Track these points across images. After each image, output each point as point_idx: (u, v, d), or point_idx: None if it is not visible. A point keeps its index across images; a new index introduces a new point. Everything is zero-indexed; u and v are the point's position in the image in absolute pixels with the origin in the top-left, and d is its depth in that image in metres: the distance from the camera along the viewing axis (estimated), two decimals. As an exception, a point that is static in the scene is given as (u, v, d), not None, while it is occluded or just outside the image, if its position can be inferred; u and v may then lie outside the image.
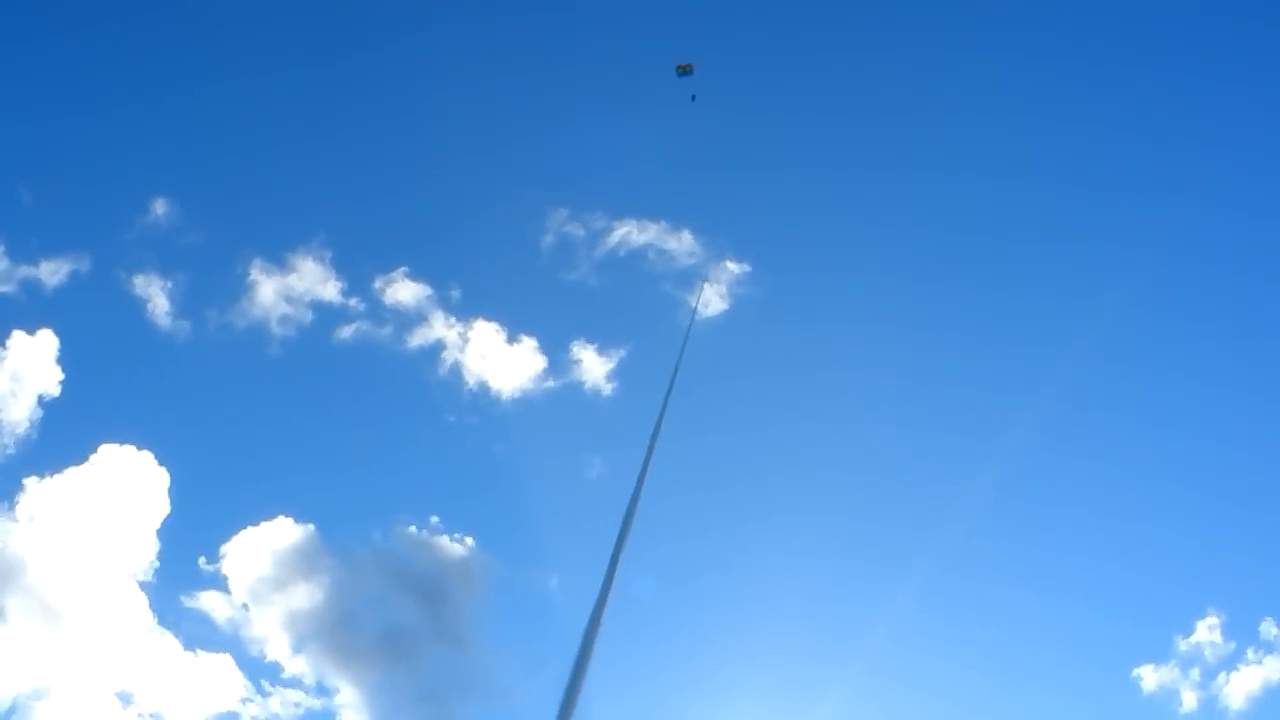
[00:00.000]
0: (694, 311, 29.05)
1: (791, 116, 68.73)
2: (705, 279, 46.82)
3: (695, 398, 60.84)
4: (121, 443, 51.07)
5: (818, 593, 53.44)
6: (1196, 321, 62.96)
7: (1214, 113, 64.99)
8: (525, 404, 59.16)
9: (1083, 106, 66.99)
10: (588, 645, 11.74)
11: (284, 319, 58.39)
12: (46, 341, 53.59)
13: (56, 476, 50.54)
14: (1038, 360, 61.79)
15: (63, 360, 53.55)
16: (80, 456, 50.93)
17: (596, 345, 59.37)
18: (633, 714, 50.16)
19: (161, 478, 51.14)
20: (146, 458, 51.22)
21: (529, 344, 59.44)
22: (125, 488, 50.45)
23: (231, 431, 58.90)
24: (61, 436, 53.33)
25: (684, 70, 42.51)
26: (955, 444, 60.21)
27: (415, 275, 59.99)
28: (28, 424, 52.53)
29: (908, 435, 60.65)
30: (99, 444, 50.98)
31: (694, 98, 44.15)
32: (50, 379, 52.89)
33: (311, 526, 52.98)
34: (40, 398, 52.67)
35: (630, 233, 61.39)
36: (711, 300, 60.26)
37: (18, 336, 53.46)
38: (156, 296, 57.58)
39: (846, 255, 67.75)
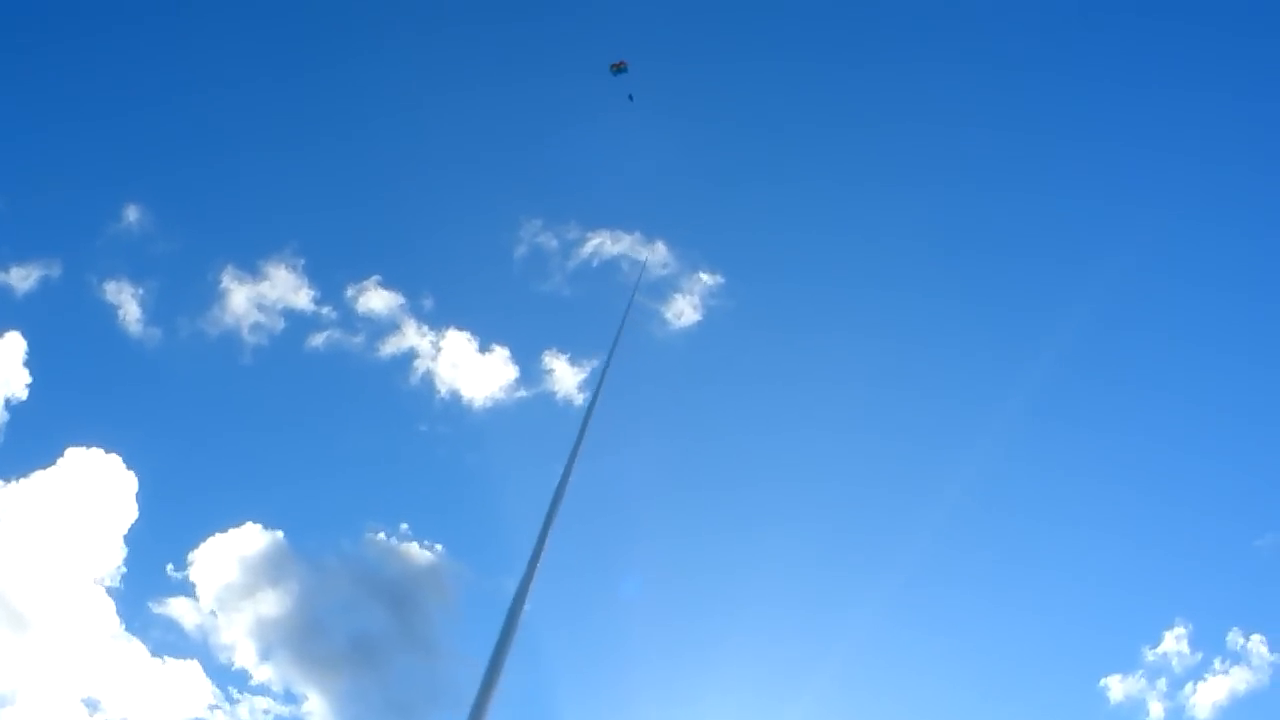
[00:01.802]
0: (637, 280, 28.90)
1: (766, 129, 69.24)
2: (646, 250, 46.14)
3: (670, 406, 61.49)
4: (89, 446, 51.00)
5: (788, 600, 53.75)
6: (1165, 333, 63.42)
7: (1185, 123, 65.58)
8: (497, 413, 59.21)
9: (1053, 117, 67.64)
10: (501, 650, 11.55)
11: (256, 327, 58.40)
12: (14, 344, 53.44)
13: (22, 480, 50.42)
14: (1008, 369, 62.33)
15: (30, 363, 53.42)
16: (47, 460, 50.82)
17: (569, 355, 59.49)
18: (610, 714, 50.40)
19: (130, 482, 51.07)
20: (114, 461, 51.13)
21: (501, 353, 59.53)
22: (92, 492, 50.31)
23: (201, 437, 58.92)
24: (28, 440, 53.20)
25: (618, 69, 41.93)
26: (925, 453, 60.69)
27: (388, 284, 60.06)
28: (-7, 427, 52.32)
29: (878, 444, 61.02)
30: (66, 447, 50.83)
31: (631, 97, 43.65)
32: (17, 382, 52.74)
33: (280, 533, 52.97)
34: (7, 401, 52.53)
35: (604, 243, 61.64)
36: (685, 311, 60.68)
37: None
38: (128, 303, 57.47)
39: (819, 266, 68.15)
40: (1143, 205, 63.94)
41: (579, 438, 16.21)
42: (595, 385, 18.78)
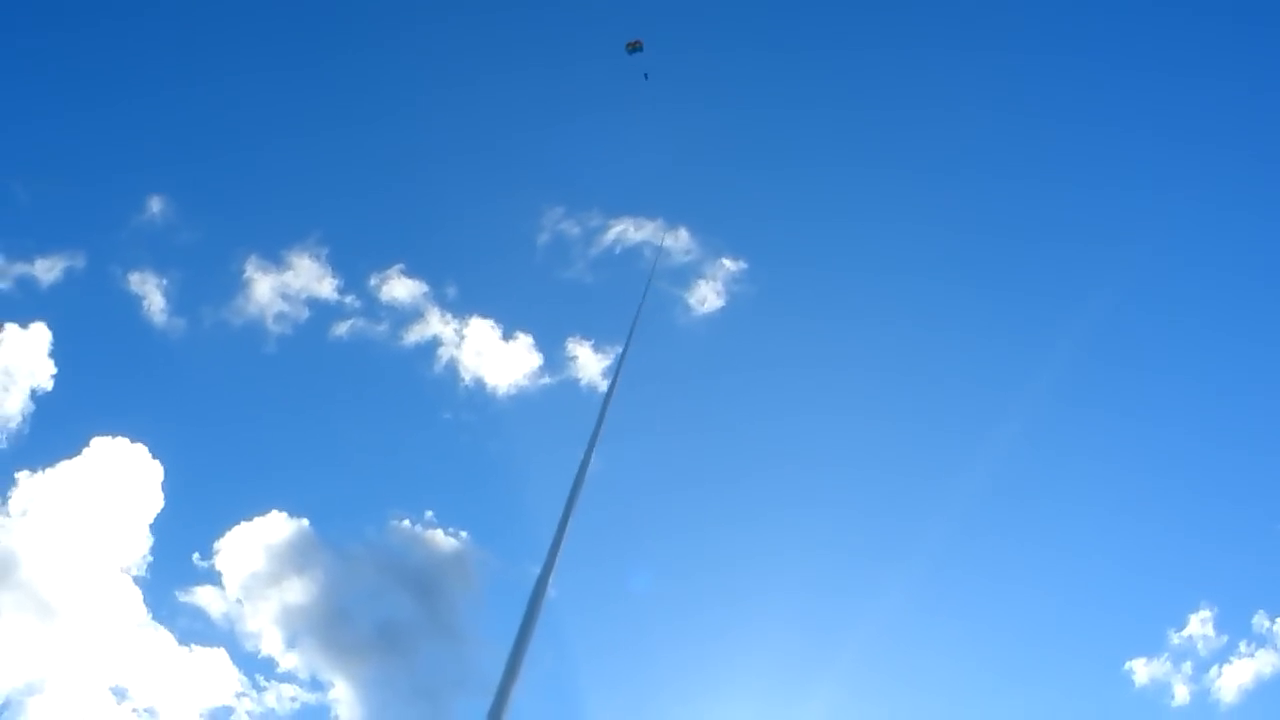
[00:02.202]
0: (654, 265, 28.85)
1: (788, 114, 69.05)
2: (664, 234, 45.62)
3: (692, 393, 61.50)
4: (115, 435, 51.22)
5: (812, 586, 53.74)
6: (1189, 317, 63.06)
7: (1206, 110, 65.19)
8: (521, 400, 59.29)
9: (1074, 103, 67.29)
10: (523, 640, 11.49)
11: (280, 316, 58.62)
12: (39, 335, 53.72)
13: (49, 470, 50.71)
14: (1031, 355, 62.21)
15: (56, 354, 53.75)
16: (73, 450, 51.07)
17: (592, 342, 59.51)
18: (626, 708, 50.48)
19: (155, 471, 51.35)
20: (140, 450, 51.39)
21: (524, 341, 59.62)
22: (119, 481, 50.61)
23: (226, 426, 59.16)
24: (54, 430, 53.59)
25: (634, 47, 40.97)
26: (948, 439, 60.63)
27: (411, 272, 60.19)
28: (20, 418, 52.68)
29: (902, 430, 60.98)
30: (91, 437, 51.09)
31: (647, 76, 42.93)
32: (43, 372, 53.09)
33: (305, 521, 53.21)
34: (33, 391, 52.87)
35: (626, 230, 61.60)
36: (708, 298, 60.67)
37: (10, 330, 53.62)
38: (152, 294, 57.74)
39: (842, 252, 68.11)
40: (1162, 191, 63.76)
41: (598, 422, 16.21)
42: (615, 369, 18.78)
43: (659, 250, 41.37)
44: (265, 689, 50.27)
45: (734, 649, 51.53)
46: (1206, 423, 61.78)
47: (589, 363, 59.13)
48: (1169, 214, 61.83)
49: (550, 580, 12.08)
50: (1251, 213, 63.94)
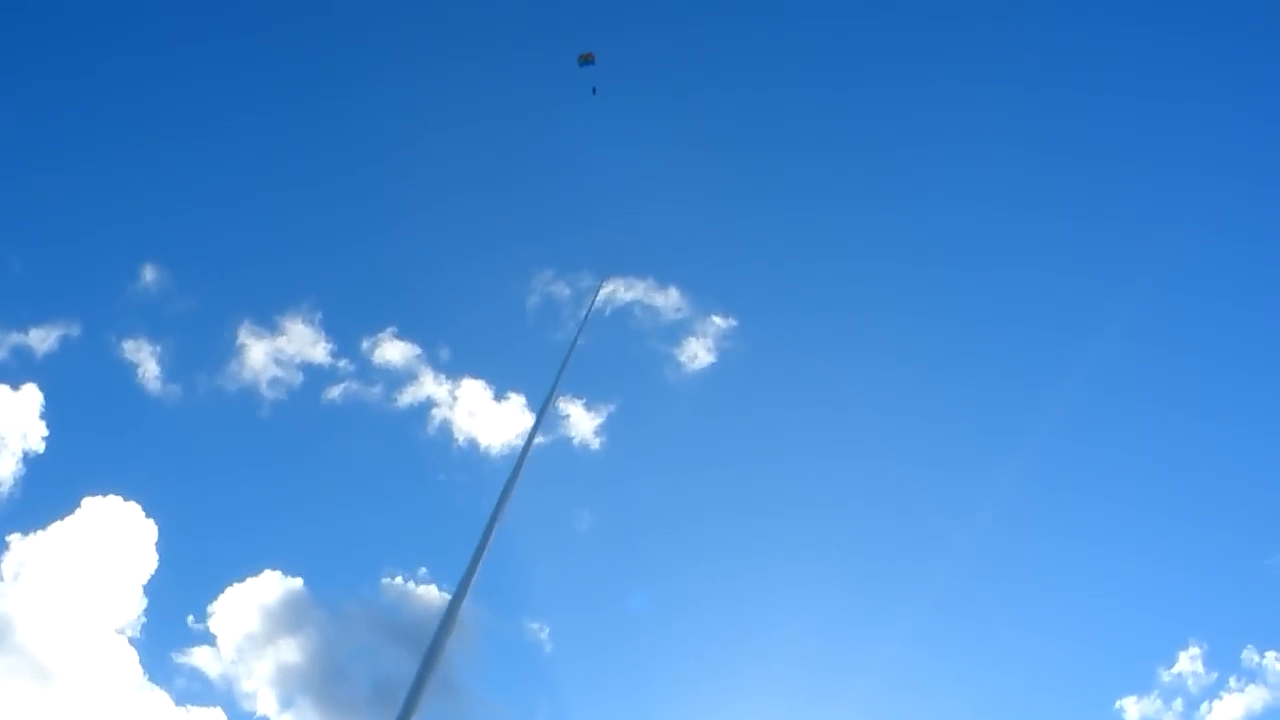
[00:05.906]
0: (590, 306, 29.41)
1: (778, 170, 70.18)
2: (604, 280, 46.28)
3: (688, 443, 62.05)
4: (107, 494, 51.60)
5: (809, 628, 53.98)
6: (1184, 354, 63.73)
7: (1214, 139, 66.08)
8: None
9: (1081, 133, 68.36)
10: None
11: (274, 381, 59.39)
12: (30, 396, 54.36)
13: (41, 533, 51.09)
14: (1027, 396, 62.62)
15: (47, 416, 54.41)
16: (65, 510, 51.48)
17: (584, 401, 60.06)
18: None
19: (149, 530, 51.76)
20: (134, 509, 51.83)
21: (517, 401, 60.21)
22: (112, 540, 50.99)
23: (220, 487, 59.98)
24: (46, 491, 54.06)
25: (585, 60, 40.93)
26: (946, 479, 61.11)
27: (403, 335, 61.11)
28: (11, 481, 53.22)
29: (899, 471, 61.68)
30: (83, 496, 51.41)
31: (595, 90, 43.22)
32: (34, 434, 53.65)
33: (299, 581, 53.68)
34: (24, 454, 53.38)
35: (616, 290, 62.30)
36: (699, 354, 61.40)
37: (1, 391, 54.03)
38: (146, 361, 58.61)
39: (834, 296, 68.90)
40: (1174, 223, 64.24)
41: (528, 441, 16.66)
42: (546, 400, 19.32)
43: (596, 290, 41.89)
44: (262, 748, 50.53)
45: (738, 688, 51.96)
46: (1193, 458, 62.18)
47: (581, 421, 59.74)
48: (1175, 248, 62.32)
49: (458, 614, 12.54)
50: (1258, 245, 64.75)
